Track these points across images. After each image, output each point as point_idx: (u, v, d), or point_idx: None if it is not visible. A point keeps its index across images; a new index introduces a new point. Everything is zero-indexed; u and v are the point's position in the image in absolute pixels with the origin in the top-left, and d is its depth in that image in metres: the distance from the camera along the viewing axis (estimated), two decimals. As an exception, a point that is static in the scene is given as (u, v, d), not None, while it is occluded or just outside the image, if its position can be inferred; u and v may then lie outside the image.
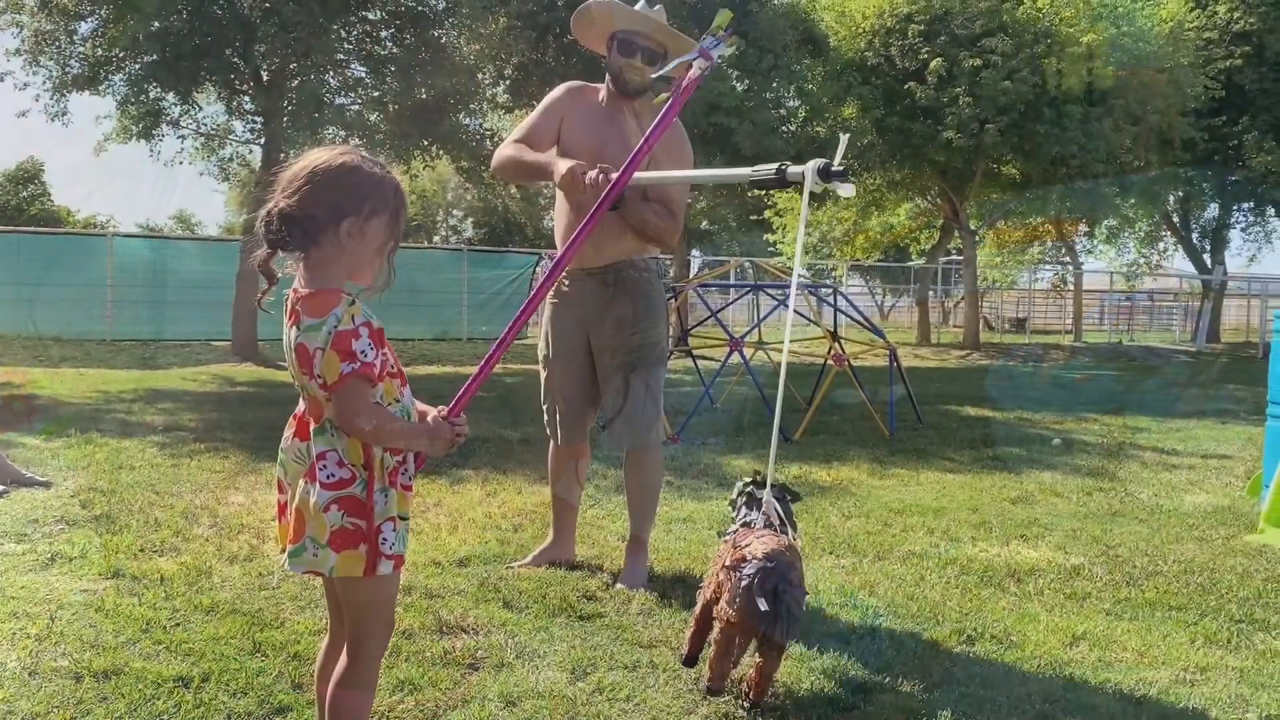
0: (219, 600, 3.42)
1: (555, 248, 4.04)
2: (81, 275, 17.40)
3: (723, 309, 11.28)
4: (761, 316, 10.55)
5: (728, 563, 2.67)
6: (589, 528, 4.63)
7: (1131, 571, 4.14)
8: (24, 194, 38.83)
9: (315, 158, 1.99)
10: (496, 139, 16.07)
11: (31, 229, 23.60)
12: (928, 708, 2.68)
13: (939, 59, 17.69)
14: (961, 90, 17.55)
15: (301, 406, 2.07)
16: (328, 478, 1.95)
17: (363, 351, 1.92)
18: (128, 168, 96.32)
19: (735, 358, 8.70)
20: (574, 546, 4.11)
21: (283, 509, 2.09)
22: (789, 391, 10.01)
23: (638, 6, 3.84)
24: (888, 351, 9.15)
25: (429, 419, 2.15)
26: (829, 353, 8.90)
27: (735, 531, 2.92)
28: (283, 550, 2.07)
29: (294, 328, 1.98)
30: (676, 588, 3.74)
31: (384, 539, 1.96)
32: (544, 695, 2.71)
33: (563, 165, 3.58)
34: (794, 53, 17.12)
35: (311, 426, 2.01)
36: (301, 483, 2.00)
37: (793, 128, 18.37)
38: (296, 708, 2.59)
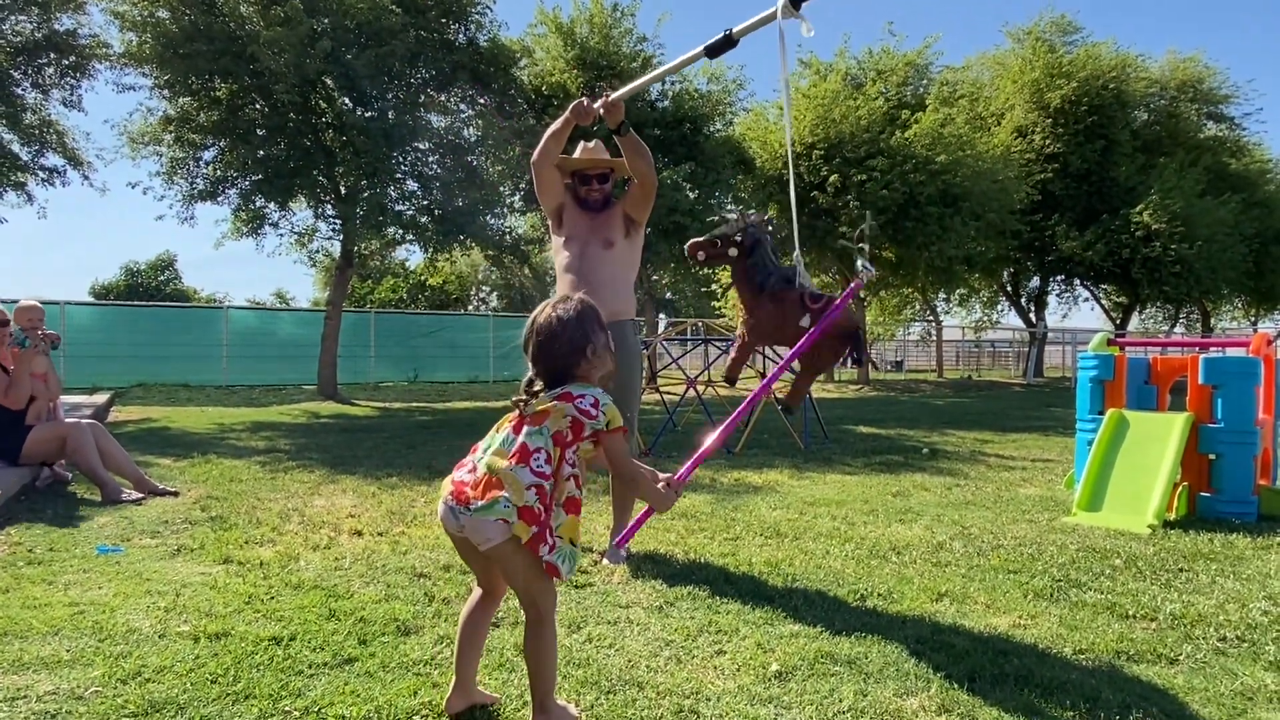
0: (304, 579, 3.37)
1: None
2: (204, 337, 17.28)
3: (681, 356, 11.30)
4: (709, 362, 10.56)
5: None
6: (582, 519, 4.59)
7: (980, 545, 4.15)
8: (161, 278, 38.55)
9: (537, 326, 2.10)
10: (514, 235, 16.14)
11: (167, 304, 23.36)
12: (833, 646, 2.67)
13: (835, 175, 17.96)
14: (851, 197, 17.82)
15: (512, 420, 2.09)
16: (537, 467, 1.97)
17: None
18: (239, 258, 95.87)
19: (691, 393, 8.71)
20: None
21: (458, 468, 2.08)
22: (728, 415, 10.01)
23: (578, 149, 3.89)
24: (801, 386, 9.17)
25: (661, 485, 2.19)
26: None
27: None
28: (457, 505, 1.97)
29: (563, 391, 2.06)
30: (647, 564, 3.72)
31: (551, 547, 1.97)
32: (547, 645, 2.68)
33: (570, 107, 3.56)
34: (730, 170, 17.33)
35: (528, 428, 2.02)
36: (507, 461, 1.98)
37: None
38: (362, 659, 2.54)
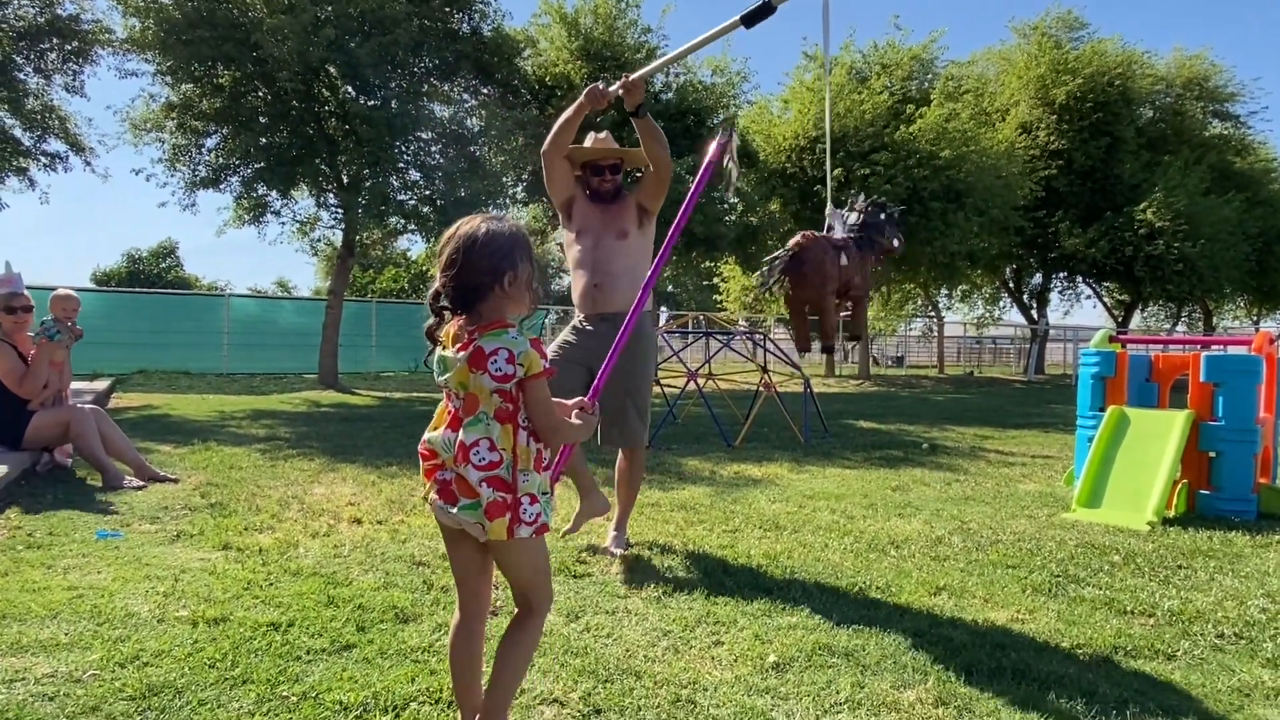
0: (303, 566, 3.38)
1: (562, 306, 4.02)
2: (205, 325, 17.26)
3: (682, 349, 11.31)
4: (710, 355, 10.54)
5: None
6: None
7: (979, 540, 4.15)
8: (163, 265, 38.54)
9: (461, 233, 1.84)
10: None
11: (169, 291, 23.37)
12: (831, 638, 2.67)
13: (839, 169, 17.91)
14: (854, 191, 17.76)
15: (451, 407, 1.89)
16: (480, 461, 1.80)
17: (545, 362, 1.84)
18: (241, 246, 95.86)
19: (691, 385, 8.70)
20: (602, 497, 3.87)
21: (430, 472, 1.91)
22: (728, 408, 10.01)
23: (587, 139, 3.85)
24: (803, 381, 9.18)
25: (575, 414, 2.00)
26: (760, 381, 8.92)
27: None
28: (444, 504, 1.85)
29: (467, 346, 1.82)
30: (645, 555, 3.72)
31: (523, 509, 1.82)
32: (547, 633, 2.68)
33: (585, 91, 3.51)
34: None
35: (464, 420, 1.84)
36: (460, 463, 1.82)
37: (733, 218, 18.50)
38: (360, 645, 2.55)
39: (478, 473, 1.80)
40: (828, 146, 3.70)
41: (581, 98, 3.54)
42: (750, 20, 2.98)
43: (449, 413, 1.90)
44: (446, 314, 1.87)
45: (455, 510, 1.84)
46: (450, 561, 2.01)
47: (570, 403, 2.04)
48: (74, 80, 12.65)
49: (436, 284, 1.85)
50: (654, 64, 3.62)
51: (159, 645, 2.49)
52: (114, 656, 2.41)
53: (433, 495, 1.90)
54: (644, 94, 3.47)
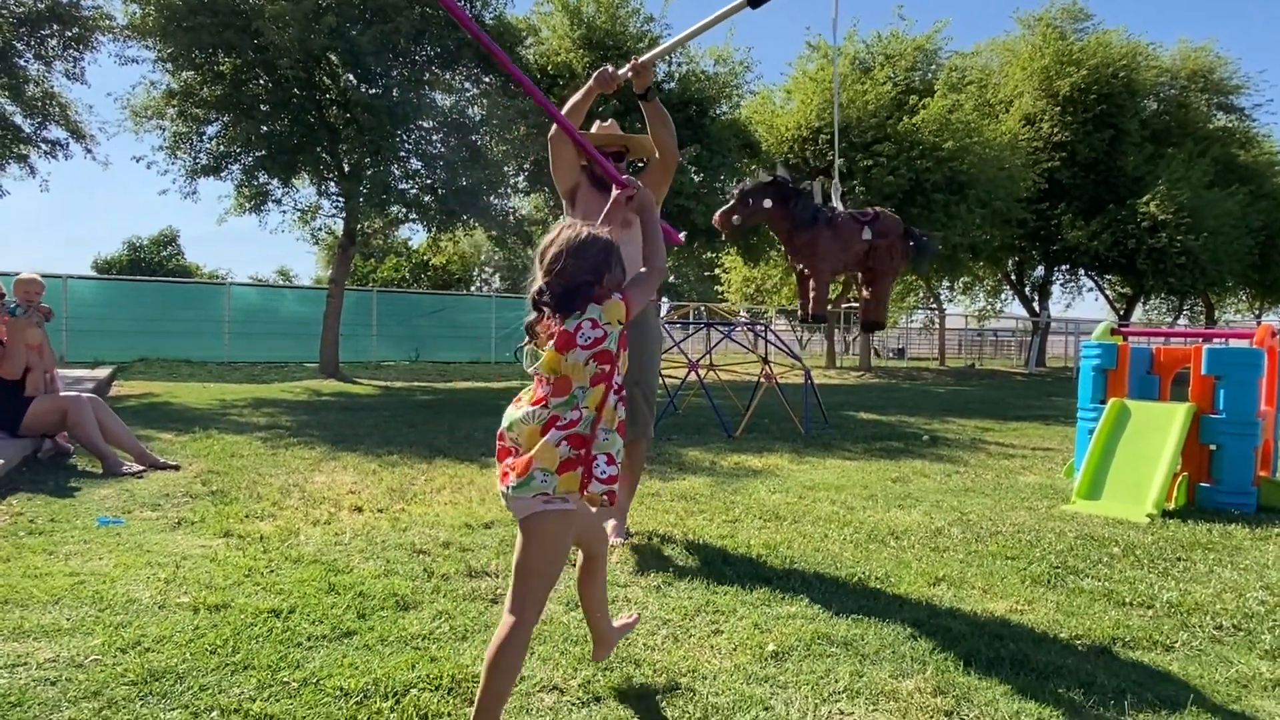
0: (304, 553, 3.39)
1: None
2: (207, 313, 17.27)
3: (683, 340, 11.31)
4: (711, 346, 10.55)
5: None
6: (581, 500, 4.61)
7: (979, 531, 4.16)
8: (164, 253, 38.54)
9: (565, 236, 1.98)
10: (517, 215, 16.08)
11: (170, 279, 23.37)
12: (830, 628, 2.68)
13: (841, 159, 17.85)
14: (857, 182, 17.72)
15: (540, 391, 1.97)
16: (563, 424, 1.91)
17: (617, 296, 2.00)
18: (242, 235, 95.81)
19: (692, 376, 8.71)
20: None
21: (502, 455, 2.00)
22: (729, 399, 10.02)
23: (592, 127, 3.81)
24: (803, 372, 9.18)
25: (623, 198, 2.39)
26: (761, 372, 8.92)
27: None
28: (506, 488, 1.95)
29: (556, 334, 1.95)
30: (646, 544, 3.73)
31: (597, 466, 1.92)
32: (545, 622, 2.69)
33: (594, 76, 3.48)
34: (736, 154, 17.22)
35: (553, 400, 1.94)
36: (541, 435, 1.91)
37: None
38: (360, 632, 2.56)
39: (559, 433, 1.90)
40: (834, 131, 3.63)
41: (590, 81, 3.51)
42: (756, 1, 2.96)
43: (537, 395, 1.99)
44: (546, 310, 1.98)
45: (510, 490, 1.92)
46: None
47: (616, 196, 2.37)
48: (74, 67, 12.62)
49: (540, 282, 1.98)
50: (662, 46, 3.59)
51: (160, 631, 2.50)
52: (115, 642, 2.42)
53: (499, 486, 1.98)
54: (653, 77, 3.45)
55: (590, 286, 1.96)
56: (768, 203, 5.34)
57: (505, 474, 1.97)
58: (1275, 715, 2.24)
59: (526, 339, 2.03)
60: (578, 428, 1.91)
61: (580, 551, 2.24)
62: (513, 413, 1.99)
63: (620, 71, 3.44)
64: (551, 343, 1.95)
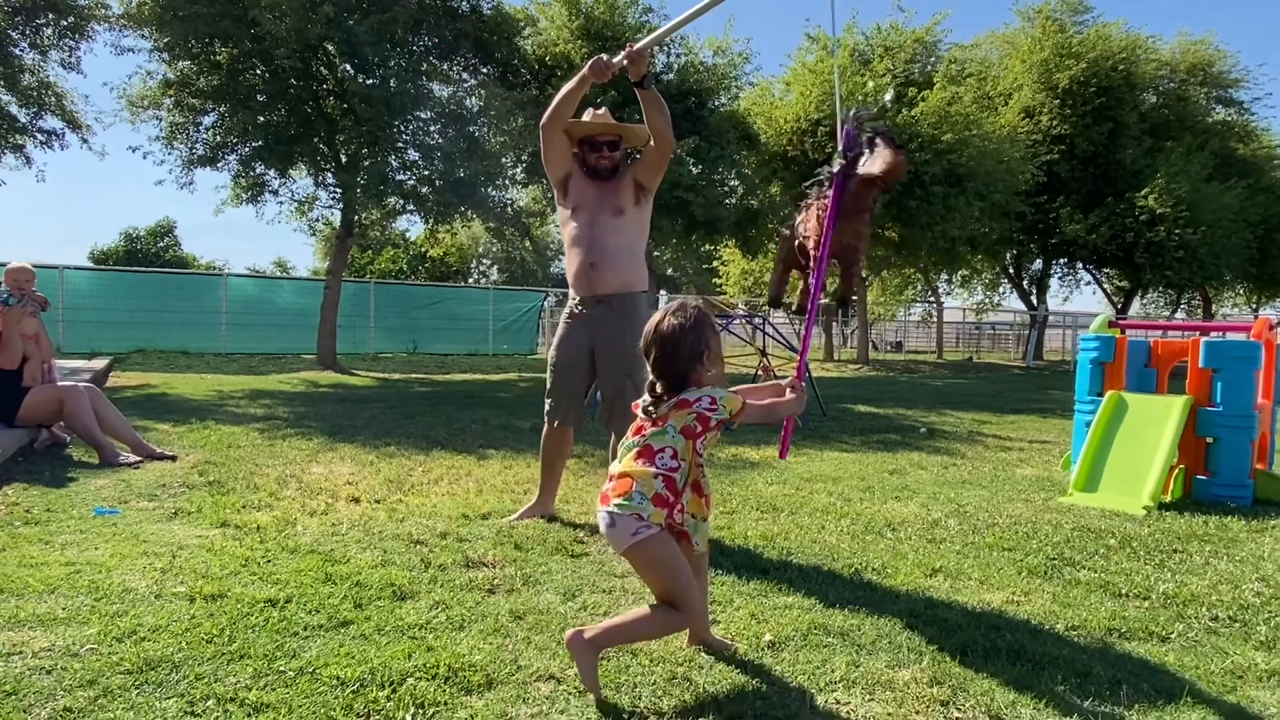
0: (301, 543, 3.38)
1: (561, 289, 4.00)
2: (203, 305, 17.24)
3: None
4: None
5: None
6: (579, 491, 4.61)
7: (975, 523, 4.16)
8: (160, 244, 38.45)
9: (661, 332, 2.21)
10: (515, 207, 16.04)
11: (166, 270, 23.31)
12: (827, 618, 2.68)
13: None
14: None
15: (636, 426, 2.28)
16: (662, 465, 2.18)
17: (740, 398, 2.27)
18: (239, 226, 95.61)
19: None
20: (554, 504, 4.01)
21: (611, 478, 2.26)
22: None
23: (585, 115, 3.78)
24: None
25: (789, 392, 2.46)
26: (759, 365, 8.92)
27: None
28: (604, 504, 2.21)
29: (678, 399, 2.21)
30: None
31: (679, 512, 2.20)
32: (543, 612, 2.69)
33: (586, 65, 3.46)
34: (734, 146, 17.18)
35: (649, 429, 2.23)
36: (637, 460, 2.20)
37: (734, 200, 18.43)
38: (357, 622, 2.55)
39: (656, 469, 2.17)
40: (837, 93, 3.52)
41: (585, 69, 3.47)
42: None
43: (635, 428, 2.29)
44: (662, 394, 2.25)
45: (612, 509, 2.16)
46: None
47: (783, 383, 2.50)
48: (70, 56, 12.55)
49: (650, 377, 2.25)
50: (657, 32, 3.56)
51: (156, 620, 2.50)
52: (111, 631, 2.41)
53: (600, 509, 2.24)
54: (648, 65, 3.42)
55: (695, 369, 2.22)
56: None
57: (604, 496, 2.23)
58: (1270, 705, 2.24)
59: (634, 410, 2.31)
60: (675, 475, 2.19)
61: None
62: (624, 439, 2.32)
63: (615, 60, 3.41)
64: (668, 406, 2.23)
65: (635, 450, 2.22)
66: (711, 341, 2.24)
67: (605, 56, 3.45)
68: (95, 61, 55.15)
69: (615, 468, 2.26)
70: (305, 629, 2.48)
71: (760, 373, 8.72)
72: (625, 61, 3.36)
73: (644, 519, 2.13)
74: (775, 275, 5.81)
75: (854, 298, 6.03)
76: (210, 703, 2.02)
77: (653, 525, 2.13)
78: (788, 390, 2.46)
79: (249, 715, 1.97)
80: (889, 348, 32.34)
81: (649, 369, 2.26)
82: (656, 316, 2.27)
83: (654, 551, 2.15)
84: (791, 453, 6.28)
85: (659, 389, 2.23)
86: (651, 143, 3.69)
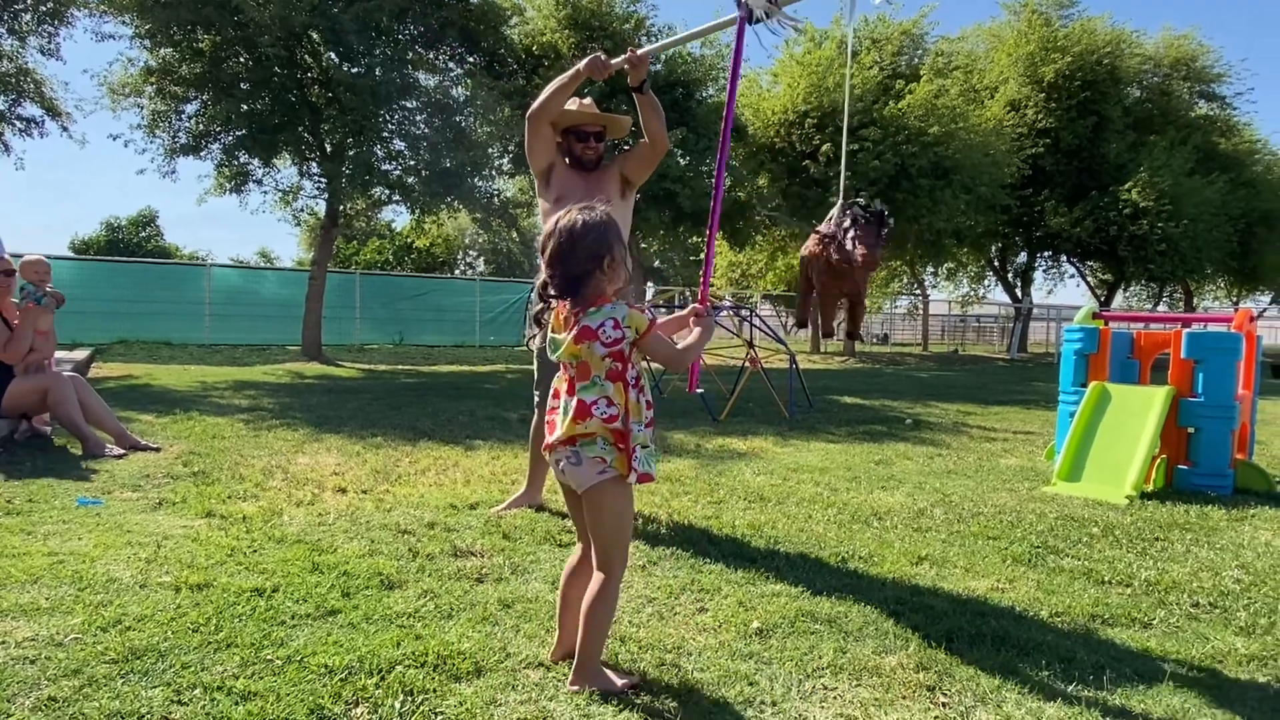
0: (287, 533, 3.37)
1: None
2: (187, 295, 17.07)
3: (668, 324, 11.43)
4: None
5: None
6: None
7: (961, 512, 4.19)
8: (143, 234, 38.05)
9: (560, 227, 2.05)
10: (502, 198, 15.96)
11: (149, 260, 23.08)
12: (814, 606, 2.70)
13: (827, 144, 17.84)
14: (843, 167, 17.74)
15: (567, 376, 2.13)
16: (601, 414, 2.05)
17: (648, 314, 2.08)
18: (222, 214, 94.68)
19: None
20: (541, 494, 4.00)
21: (551, 428, 2.15)
22: (714, 383, 10.03)
23: (571, 104, 3.74)
24: (788, 357, 9.21)
25: (692, 322, 2.32)
26: (746, 356, 8.93)
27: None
28: (562, 446, 2.10)
29: (575, 324, 2.05)
30: (632, 524, 3.73)
31: (636, 458, 2.06)
32: (531, 600, 2.69)
33: (583, 61, 3.44)
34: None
35: (579, 384, 2.08)
36: (578, 422, 2.06)
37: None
38: (345, 610, 2.54)
39: (600, 421, 2.05)
40: (844, 125, 3.58)
41: (580, 66, 3.45)
42: (752, 19, 2.97)
43: (565, 380, 2.14)
44: (553, 301, 2.10)
45: (576, 449, 2.06)
46: (571, 517, 2.30)
47: (684, 312, 2.36)
48: (49, 43, 12.35)
49: (543, 276, 2.08)
50: (661, 43, 3.57)
51: (141, 610, 2.48)
52: (96, 621, 2.39)
53: (549, 455, 2.14)
54: (648, 69, 3.41)
55: (590, 273, 2.04)
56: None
57: (557, 445, 2.10)
58: (1250, 689, 2.28)
59: (533, 329, 2.12)
60: (616, 423, 2.05)
61: (579, 539, 2.27)
62: (553, 400, 2.17)
63: (614, 61, 3.40)
64: (571, 333, 2.06)
65: (572, 412, 2.06)
66: (615, 248, 2.06)
67: (604, 56, 3.44)
68: (75, 48, 54.35)
69: (559, 430, 2.10)
70: (292, 618, 2.47)
71: (748, 364, 8.74)
72: (625, 65, 3.35)
73: (607, 462, 2.05)
74: (823, 307, 5.66)
75: (860, 338, 6.04)
76: (197, 691, 2.01)
77: (614, 469, 2.05)
78: (691, 321, 2.32)
79: (236, 703, 1.96)
80: (875, 340, 32.47)
81: (542, 266, 2.10)
82: (560, 212, 2.12)
83: (615, 496, 2.07)
84: (779, 443, 6.31)
85: (550, 290, 2.07)
86: (631, 134, 3.67)
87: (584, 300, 2.06)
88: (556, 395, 2.16)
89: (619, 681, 2.10)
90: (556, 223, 2.07)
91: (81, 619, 2.41)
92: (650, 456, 2.11)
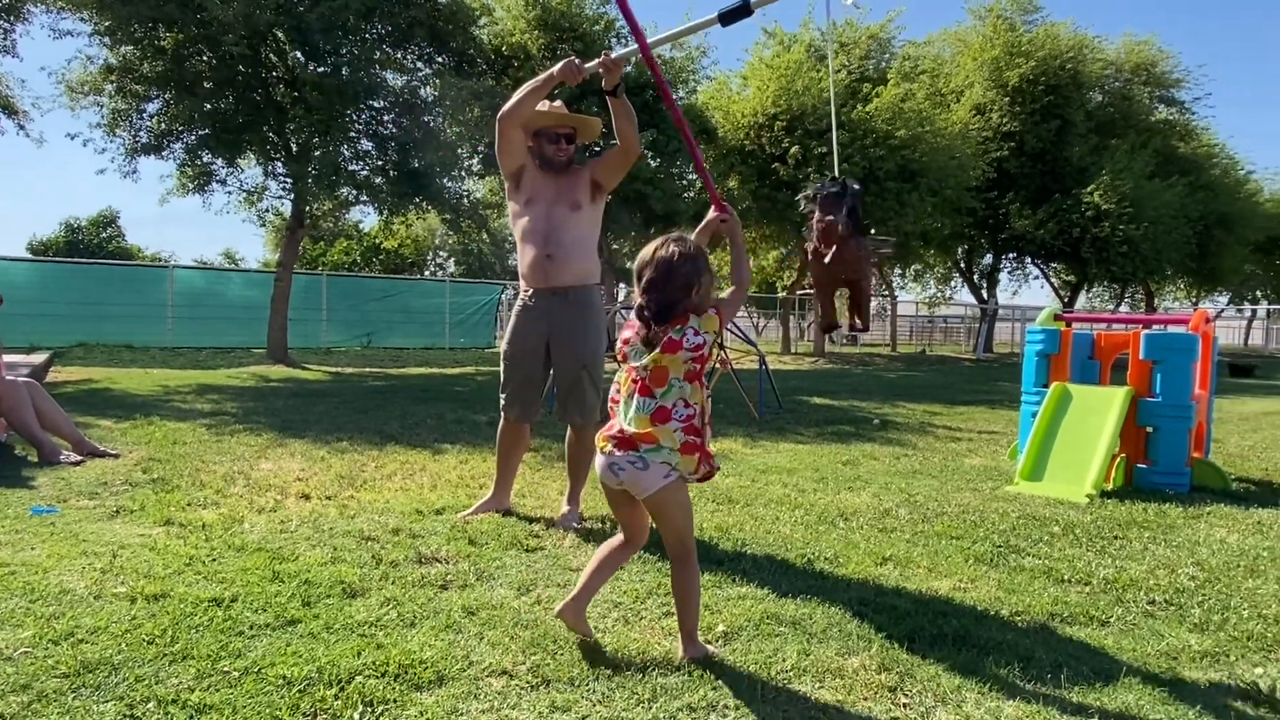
0: (248, 541, 3.31)
1: (518, 282, 3.95)
2: (149, 298, 16.72)
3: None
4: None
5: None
6: (535, 485, 4.58)
7: (925, 512, 4.24)
8: (103, 235, 37.28)
9: (659, 258, 2.25)
10: (472, 198, 15.85)
11: (110, 262, 22.61)
12: (779, 608, 2.71)
13: (796, 147, 17.96)
14: (812, 169, 17.84)
15: (635, 377, 2.30)
16: (680, 417, 2.25)
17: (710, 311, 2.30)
18: (185, 215, 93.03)
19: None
20: (509, 498, 3.98)
21: (621, 432, 2.30)
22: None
23: (541, 105, 3.72)
24: (758, 357, 9.25)
25: (722, 226, 2.58)
26: (716, 358, 8.96)
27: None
28: (623, 452, 2.27)
29: (665, 340, 2.25)
30: (598, 529, 3.73)
31: (711, 457, 2.33)
32: (495, 607, 2.67)
33: (557, 65, 3.43)
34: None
35: (655, 389, 2.26)
36: (654, 423, 2.24)
37: (692, 194, 18.46)
38: (305, 620, 2.51)
39: (678, 423, 2.24)
40: (833, 127, 3.57)
41: (555, 69, 3.44)
42: (727, 19, 2.98)
43: (634, 383, 2.31)
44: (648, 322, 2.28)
45: (639, 455, 2.23)
46: (610, 507, 2.49)
47: (706, 220, 2.58)
48: (5, 39, 12.03)
49: (640, 301, 2.28)
50: (632, 48, 3.56)
51: (95, 622, 2.43)
52: (47, 634, 2.33)
53: (602, 456, 2.30)
54: (622, 74, 3.41)
55: (682, 301, 2.25)
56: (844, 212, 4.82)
57: (619, 445, 2.26)
58: (1203, 685, 2.33)
59: (619, 343, 2.35)
60: (694, 420, 2.25)
61: (623, 533, 2.47)
62: (623, 394, 2.34)
63: (588, 65, 3.39)
64: (658, 349, 2.26)
65: (650, 413, 2.24)
66: (704, 277, 2.27)
67: (577, 60, 3.43)
68: (32, 44, 53.08)
69: (628, 425, 2.27)
70: (251, 628, 2.43)
71: (718, 365, 8.77)
72: (599, 69, 3.34)
73: (673, 466, 2.23)
74: (819, 298, 5.55)
75: (862, 330, 5.94)
76: (151, 705, 1.97)
77: (679, 471, 2.24)
78: (720, 227, 2.57)
79: (191, 717, 1.93)
80: (844, 341, 32.73)
81: (636, 293, 2.28)
82: (654, 244, 2.30)
83: (682, 495, 2.30)
84: (748, 444, 6.33)
85: (645, 314, 2.26)
86: (615, 144, 3.67)
87: (672, 322, 2.26)
88: (615, 401, 2.36)
89: (710, 649, 2.35)
90: (655, 251, 2.27)
91: (32, 632, 2.35)
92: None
